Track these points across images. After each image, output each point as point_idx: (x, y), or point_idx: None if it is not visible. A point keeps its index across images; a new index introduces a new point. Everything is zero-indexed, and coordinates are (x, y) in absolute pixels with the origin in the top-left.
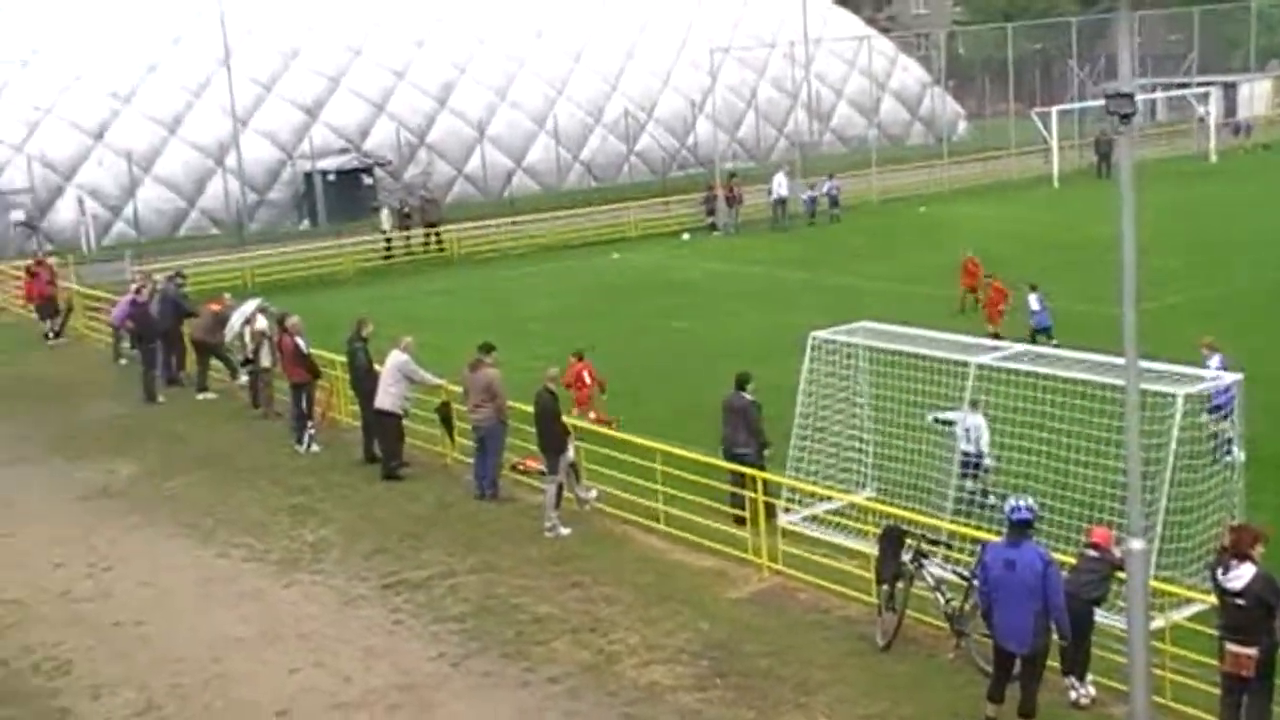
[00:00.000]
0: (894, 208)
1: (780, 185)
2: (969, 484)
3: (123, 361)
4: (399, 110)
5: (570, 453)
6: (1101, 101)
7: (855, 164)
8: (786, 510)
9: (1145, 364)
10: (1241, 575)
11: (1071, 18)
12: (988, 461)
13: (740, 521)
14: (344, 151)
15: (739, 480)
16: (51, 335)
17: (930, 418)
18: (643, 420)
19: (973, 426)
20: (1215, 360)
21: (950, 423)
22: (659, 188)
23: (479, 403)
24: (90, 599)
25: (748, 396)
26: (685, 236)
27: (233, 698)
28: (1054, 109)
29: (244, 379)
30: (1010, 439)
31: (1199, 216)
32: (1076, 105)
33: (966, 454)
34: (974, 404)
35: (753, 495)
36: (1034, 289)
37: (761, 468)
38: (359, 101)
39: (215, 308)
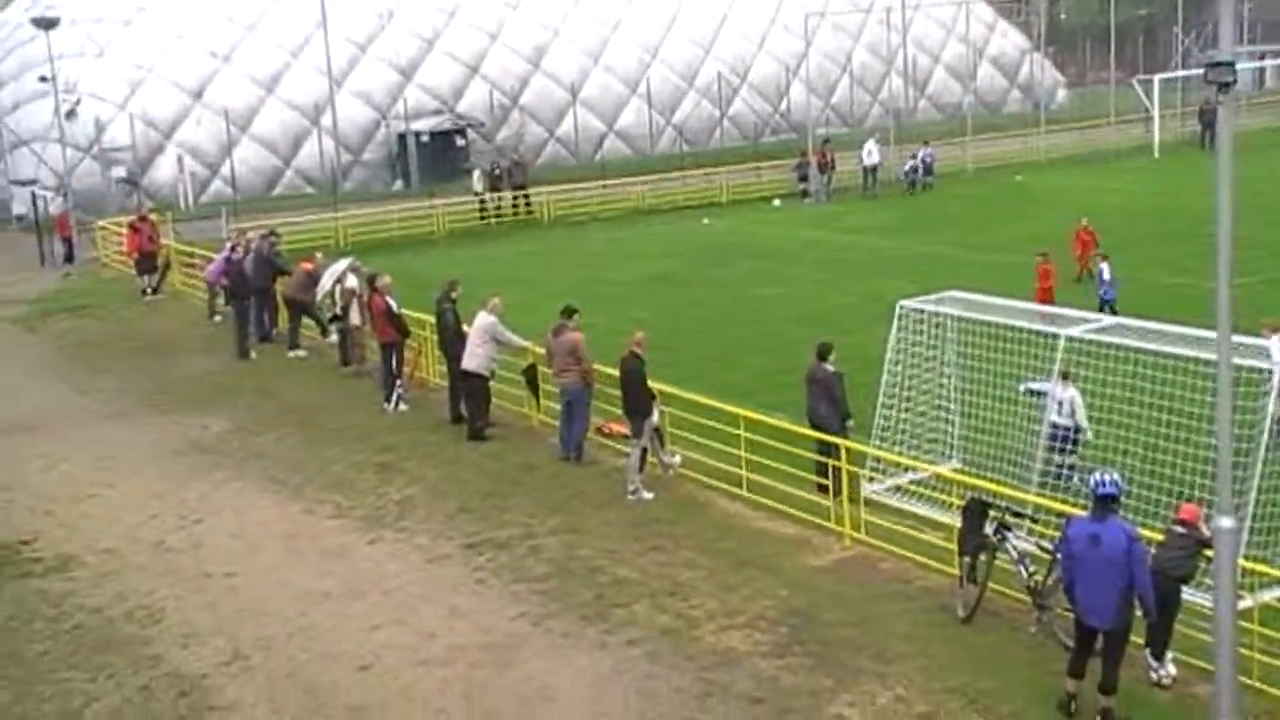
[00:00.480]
0: (988, 176)
1: (871, 153)
2: (1057, 457)
3: (217, 318)
4: (492, 72)
5: (655, 417)
6: None
7: (950, 131)
8: (870, 480)
9: (1239, 339)
10: None
11: None
12: (1087, 435)
13: (824, 490)
14: (437, 113)
15: (824, 450)
16: (149, 291)
17: (1022, 388)
18: (729, 386)
19: (1066, 399)
20: (1275, 341)
21: (1041, 393)
22: (751, 153)
23: (563, 367)
24: (182, 550)
25: (829, 368)
26: (776, 203)
27: (317, 651)
28: (1156, 77)
29: (334, 337)
30: (1099, 413)
31: None
32: (1180, 73)
33: (1056, 425)
34: (1065, 375)
35: (836, 464)
36: (1105, 259)
37: (845, 439)
38: (453, 63)
39: (308, 266)
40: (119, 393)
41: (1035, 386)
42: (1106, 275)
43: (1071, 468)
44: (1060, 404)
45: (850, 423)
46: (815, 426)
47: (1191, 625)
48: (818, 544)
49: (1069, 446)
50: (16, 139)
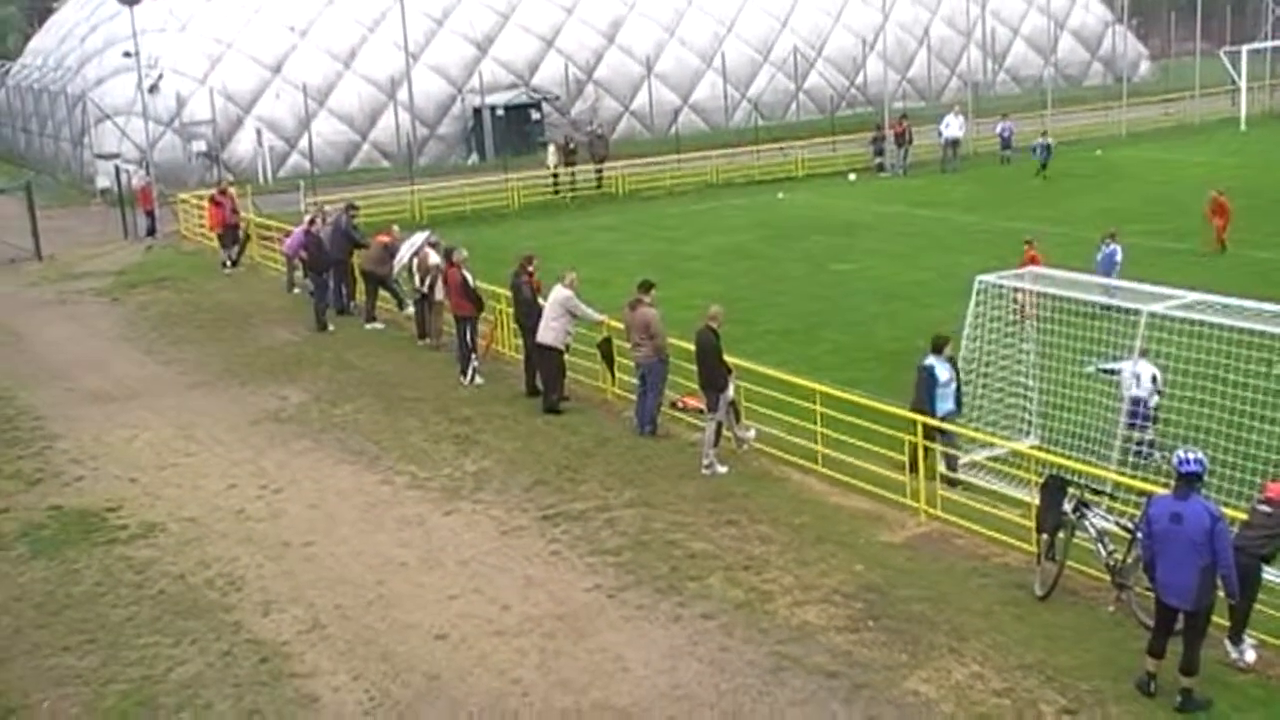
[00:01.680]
0: (1069, 151)
1: (949, 126)
2: (1136, 434)
3: (295, 290)
4: (567, 46)
5: (730, 391)
6: None
7: (1030, 105)
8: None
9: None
10: None
11: None
12: (1154, 400)
13: (949, 483)
14: (512, 87)
15: (930, 436)
16: (229, 263)
17: (1091, 368)
18: (806, 360)
19: (1143, 373)
20: None
21: (1115, 372)
22: (827, 127)
23: (638, 341)
24: (261, 519)
25: (929, 362)
26: (851, 177)
27: (394, 619)
28: (1244, 48)
29: (410, 310)
30: (1181, 390)
31: None
32: (1269, 44)
33: (1136, 401)
34: (1144, 353)
35: (924, 444)
36: (1113, 238)
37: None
38: (528, 37)
39: (384, 239)
40: (199, 363)
41: (1106, 365)
42: (1118, 257)
43: (1151, 444)
44: (1137, 377)
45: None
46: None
47: (1276, 606)
48: (893, 520)
49: (1147, 424)
50: (101, 113)
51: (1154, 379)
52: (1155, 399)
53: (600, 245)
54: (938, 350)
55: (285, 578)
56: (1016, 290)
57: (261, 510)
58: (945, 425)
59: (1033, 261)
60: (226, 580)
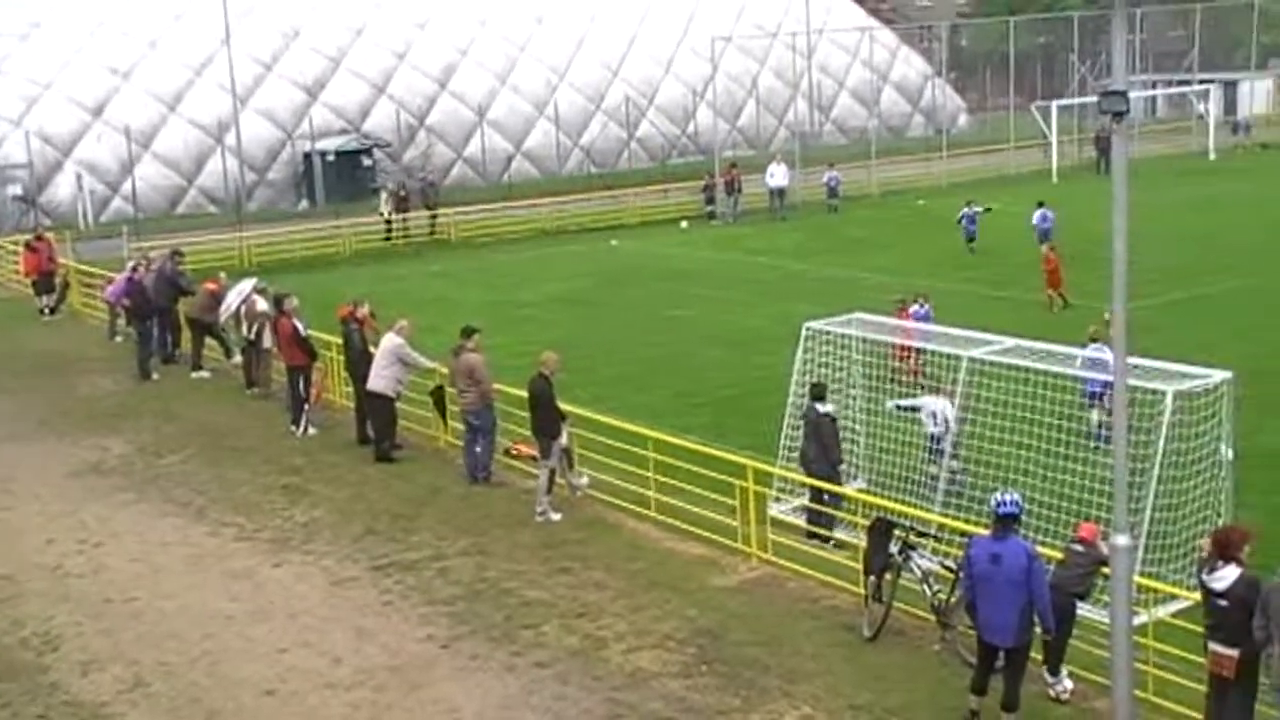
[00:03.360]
0: (892, 200)
1: (774, 175)
2: (933, 469)
3: (118, 339)
4: (399, 92)
5: (564, 438)
6: None
7: (855, 155)
8: (777, 500)
9: (1136, 361)
10: (1225, 576)
11: (1074, 12)
12: (952, 432)
13: (814, 538)
14: (344, 132)
15: (814, 496)
16: (48, 311)
17: (890, 405)
18: (641, 407)
19: (939, 409)
20: (1095, 349)
21: (914, 409)
22: (658, 174)
23: (464, 388)
24: (81, 575)
25: (820, 409)
26: (684, 224)
27: (221, 675)
28: (1054, 103)
29: (238, 359)
30: (1000, 433)
31: (1196, 214)
32: (1076, 100)
33: (932, 438)
34: (936, 389)
35: (744, 485)
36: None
37: (837, 483)
38: (359, 82)
39: (211, 287)
40: (15, 415)
41: (904, 403)
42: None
43: (954, 471)
44: (934, 414)
45: (842, 467)
46: (806, 472)
47: (1090, 641)
48: (725, 564)
49: (949, 458)
50: None
51: (947, 416)
52: (951, 434)
53: (434, 293)
54: (820, 399)
55: (106, 635)
56: (903, 349)
57: (81, 565)
58: (827, 486)
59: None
60: (43, 640)
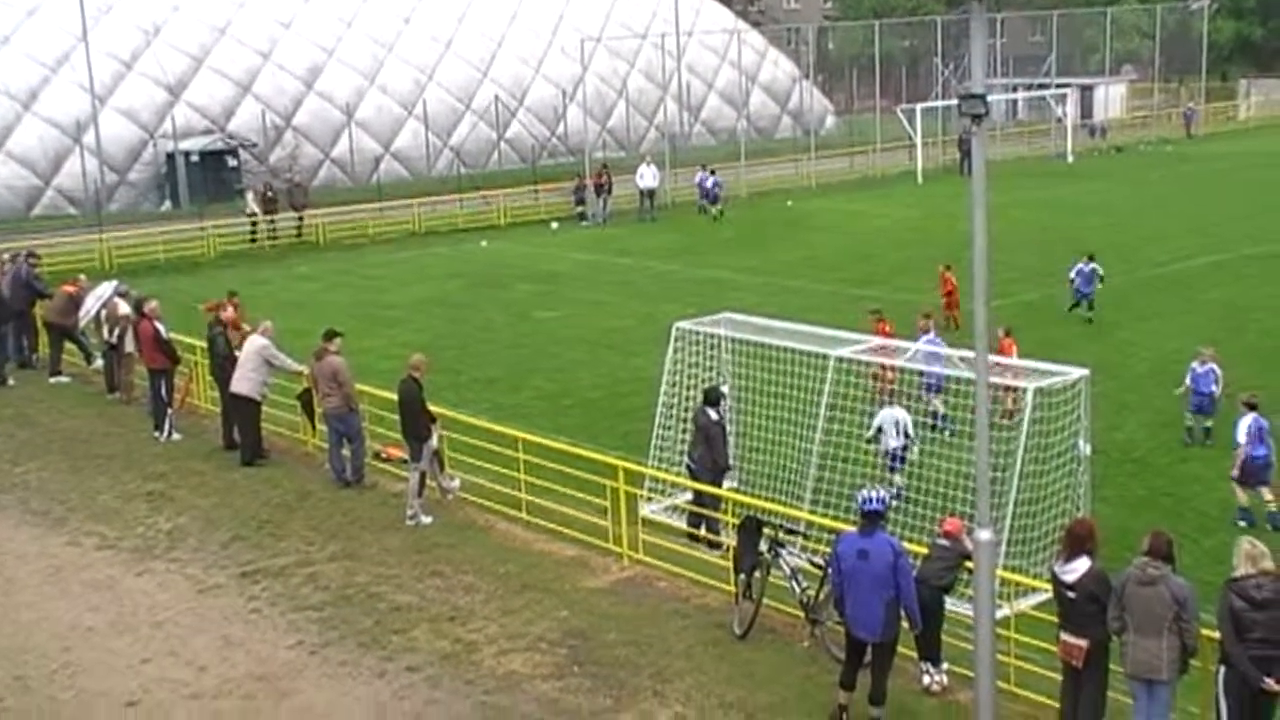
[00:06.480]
0: (762, 201)
1: (644, 177)
2: (897, 479)
3: None
4: (264, 92)
5: (434, 441)
6: None
7: (725, 156)
8: (648, 500)
9: (996, 359)
10: (1076, 569)
11: (937, 17)
12: (914, 440)
13: (697, 540)
14: (208, 132)
15: (698, 500)
16: None
17: (868, 435)
18: (511, 408)
19: (901, 419)
20: (928, 340)
21: (879, 430)
22: (529, 176)
23: (328, 391)
24: None
25: (710, 414)
26: (554, 225)
27: (80, 689)
28: (919, 106)
29: (98, 363)
30: (868, 430)
31: (1054, 215)
32: (940, 103)
33: (893, 450)
34: (890, 402)
35: (615, 486)
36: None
37: (715, 487)
38: (223, 81)
39: (70, 289)
40: None
41: (873, 432)
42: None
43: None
44: (897, 423)
45: (731, 471)
46: (691, 474)
47: (954, 634)
48: (597, 565)
49: (899, 465)
50: None
51: (907, 427)
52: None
53: (301, 295)
54: (714, 404)
55: None
56: (882, 366)
57: None
58: (711, 489)
59: (882, 333)
60: None
